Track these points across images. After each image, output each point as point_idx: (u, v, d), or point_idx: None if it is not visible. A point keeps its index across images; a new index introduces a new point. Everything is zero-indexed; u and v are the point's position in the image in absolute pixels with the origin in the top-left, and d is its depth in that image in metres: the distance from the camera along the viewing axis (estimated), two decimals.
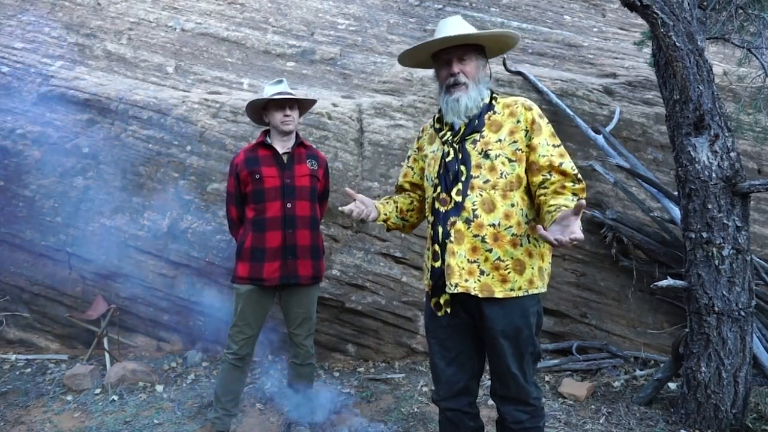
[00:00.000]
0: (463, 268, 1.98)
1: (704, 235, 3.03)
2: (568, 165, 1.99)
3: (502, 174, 1.99)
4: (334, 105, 4.48)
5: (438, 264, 2.03)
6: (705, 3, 3.53)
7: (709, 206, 3.01)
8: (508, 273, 1.97)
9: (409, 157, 2.34)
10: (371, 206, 2.15)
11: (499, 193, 1.98)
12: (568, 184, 1.96)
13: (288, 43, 5.40)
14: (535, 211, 2.04)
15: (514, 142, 2.01)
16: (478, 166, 2.00)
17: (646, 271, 4.06)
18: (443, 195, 2.03)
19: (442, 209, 2.03)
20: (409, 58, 2.21)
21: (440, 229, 2.02)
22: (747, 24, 4.17)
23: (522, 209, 2.01)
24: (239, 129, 4.30)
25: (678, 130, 3.15)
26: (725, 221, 2.99)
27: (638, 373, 3.87)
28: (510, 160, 2.00)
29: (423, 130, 2.31)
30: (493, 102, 2.10)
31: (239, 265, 2.89)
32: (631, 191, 4.17)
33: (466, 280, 1.98)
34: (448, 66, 2.07)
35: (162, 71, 5.01)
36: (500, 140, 2.01)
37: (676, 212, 3.66)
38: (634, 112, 4.57)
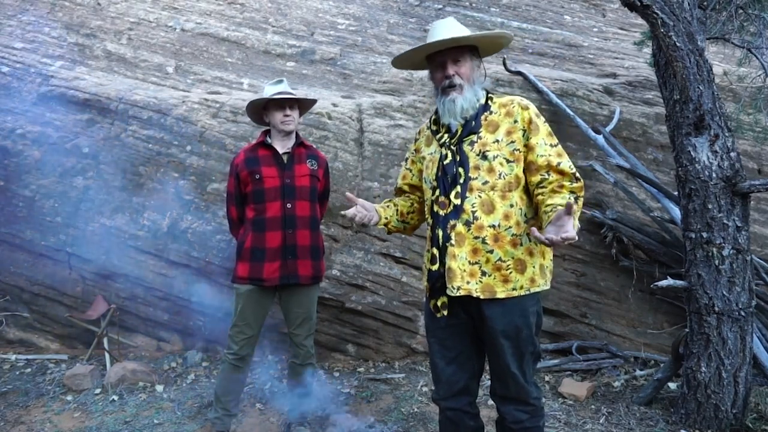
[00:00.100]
0: (464, 271, 1.98)
1: (704, 235, 3.03)
2: (566, 164, 1.99)
3: (500, 175, 1.99)
4: (334, 105, 4.48)
5: (436, 267, 2.03)
6: (705, 3, 3.53)
7: (709, 206, 3.01)
8: (510, 273, 1.97)
9: (407, 159, 2.34)
10: (372, 211, 2.15)
11: (498, 194, 1.98)
12: (566, 183, 1.96)
13: (288, 43, 5.40)
14: (534, 210, 2.04)
15: (512, 142, 2.01)
16: (477, 168, 2.00)
17: (646, 271, 4.06)
18: (442, 198, 2.03)
19: (442, 212, 2.03)
20: (403, 61, 2.21)
21: (440, 233, 2.02)
22: (747, 24, 4.17)
23: (521, 209, 2.01)
24: (239, 129, 4.30)
25: (678, 130, 3.15)
26: (725, 221, 2.99)
27: (638, 373, 3.87)
28: (508, 161, 2.00)
29: (420, 132, 2.30)
30: (489, 102, 2.09)
31: (239, 265, 2.89)
32: (631, 191, 4.17)
33: (468, 282, 1.98)
34: (442, 68, 2.07)
35: (162, 71, 5.01)
36: (498, 141, 2.01)
37: (676, 212, 3.66)
38: (634, 112, 4.57)
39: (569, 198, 1.91)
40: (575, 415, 3.32)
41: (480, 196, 1.98)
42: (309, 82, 5.02)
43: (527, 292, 1.99)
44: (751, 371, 3.12)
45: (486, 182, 1.99)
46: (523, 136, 2.01)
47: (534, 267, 2.00)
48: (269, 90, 2.94)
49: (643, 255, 4.11)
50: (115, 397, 3.54)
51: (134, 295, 4.24)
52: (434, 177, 2.08)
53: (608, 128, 4.34)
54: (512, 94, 2.16)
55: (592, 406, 3.44)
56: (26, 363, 4.10)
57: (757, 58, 4.00)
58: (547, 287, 2.08)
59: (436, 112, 2.15)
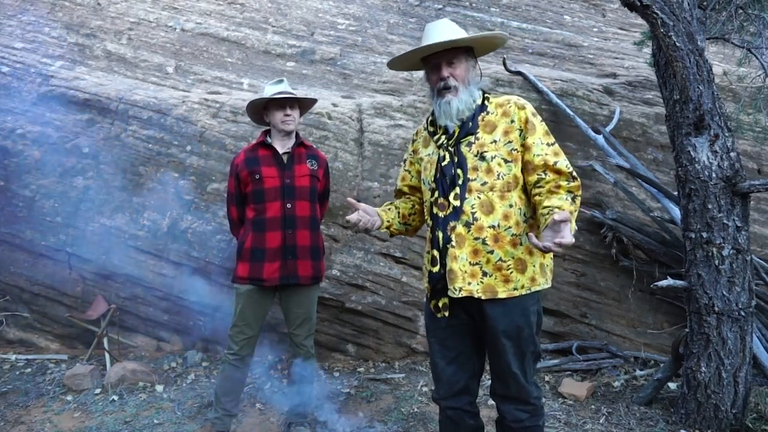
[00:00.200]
0: (465, 272, 1.98)
1: (704, 235, 3.03)
2: (563, 163, 1.99)
3: (498, 175, 1.99)
4: (334, 105, 4.48)
5: (436, 269, 2.03)
6: (705, 3, 3.53)
7: (709, 206, 3.01)
8: (511, 273, 1.98)
9: (405, 160, 2.34)
10: (374, 215, 2.15)
11: (497, 194, 1.98)
12: (563, 183, 1.96)
13: (288, 43, 5.40)
14: (533, 210, 2.04)
15: (509, 142, 2.01)
16: (475, 169, 2.00)
17: (646, 271, 4.06)
18: (441, 200, 2.03)
19: (441, 214, 2.03)
20: (398, 63, 2.21)
21: (440, 234, 2.02)
22: (747, 24, 4.17)
23: (520, 208, 2.02)
24: (239, 129, 4.30)
25: (678, 130, 3.15)
26: (725, 221, 2.99)
27: (638, 373, 3.87)
28: (506, 161, 2.00)
29: (417, 133, 2.30)
30: (486, 102, 2.09)
31: (239, 265, 2.89)
32: (631, 191, 4.17)
33: (469, 283, 1.98)
34: (437, 70, 2.07)
35: (162, 71, 5.01)
36: (495, 141, 2.01)
37: (676, 212, 3.66)
38: (634, 112, 4.57)
39: (566, 199, 1.92)
40: (575, 415, 3.32)
41: (479, 197, 1.98)
42: (309, 82, 5.02)
43: (528, 292, 2.00)
44: (751, 371, 3.12)
45: (485, 183, 1.99)
46: (520, 135, 2.01)
47: (534, 266, 2.01)
48: (269, 90, 2.94)
49: (643, 255, 4.11)
50: (115, 397, 3.54)
51: (134, 295, 4.24)
52: (433, 179, 2.08)
53: (608, 128, 4.34)
54: (512, 94, 2.16)
55: (592, 406, 3.44)
56: (26, 363, 4.10)
57: (757, 58, 4.00)
58: (548, 285, 2.08)
59: (433, 114, 2.15)
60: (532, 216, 2.04)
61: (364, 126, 4.41)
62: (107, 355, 3.97)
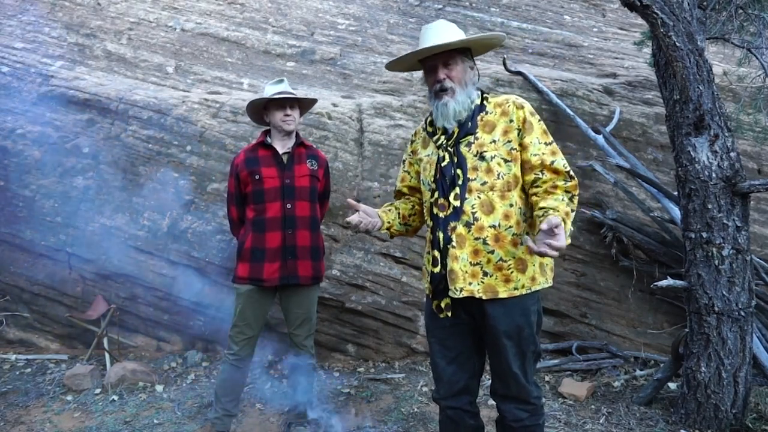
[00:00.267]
0: (466, 272, 1.98)
1: (704, 235, 3.03)
2: (560, 162, 1.99)
3: (498, 175, 1.99)
4: (334, 105, 4.48)
5: (438, 269, 2.03)
6: (705, 3, 3.53)
7: (709, 206, 3.01)
8: (511, 273, 1.98)
9: (404, 161, 2.33)
10: (375, 216, 2.15)
11: (497, 194, 1.99)
12: (560, 183, 1.97)
13: (288, 43, 5.40)
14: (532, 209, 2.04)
15: (509, 141, 2.01)
16: (475, 169, 2.00)
17: (646, 271, 4.06)
18: (441, 200, 2.03)
19: (441, 214, 2.03)
20: (396, 65, 2.23)
21: (441, 235, 2.02)
22: (747, 24, 4.17)
23: (521, 208, 2.02)
24: (239, 129, 4.30)
25: (678, 130, 3.15)
26: (725, 221, 2.99)
27: (638, 373, 3.87)
28: (506, 161, 2.00)
29: (416, 134, 2.30)
30: (485, 102, 2.09)
31: (239, 266, 2.89)
32: (631, 191, 4.17)
33: (470, 284, 1.98)
34: (434, 72, 2.07)
35: (162, 71, 5.01)
36: (494, 141, 2.01)
37: (676, 212, 3.66)
38: (634, 112, 4.57)
39: (562, 199, 1.92)
40: (575, 415, 3.32)
41: (479, 197, 1.98)
42: (309, 82, 5.02)
43: (528, 291, 2.00)
44: (751, 371, 3.12)
45: (485, 183, 1.99)
46: (518, 135, 2.02)
47: (534, 265, 2.01)
48: (269, 90, 2.94)
49: (643, 255, 4.11)
50: (115, 397, 3.54)
51: (134, 295, 4.24)
52: (432, 179, 2.08)
53: (608, 128, 4.34)
54: (512, 95, 2.16)
55: (592, 406, 3.44)
56: (26, 363, 4.10)
57: (757, 58, 4.00)
58: (549, 284, 2.08)
59: (431, 114, 2.15)
60: (532, 215, 2.04)
61: (364, 126, 4.41)
62: (107, 355, 3.97)
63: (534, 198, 1.98)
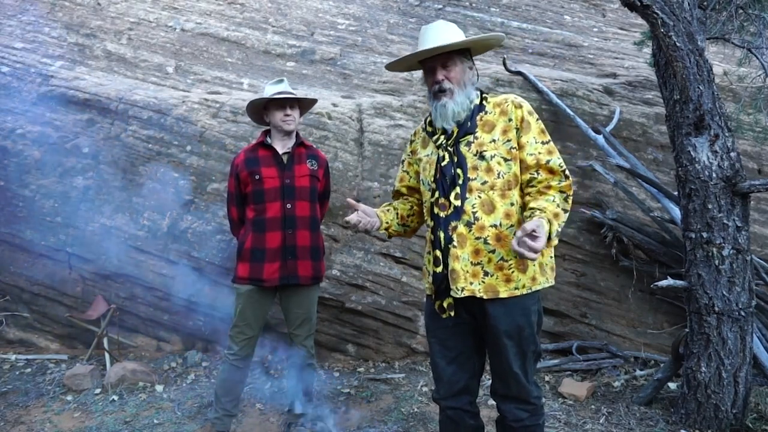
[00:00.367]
0: (467, 272, 1.98)
1: (704, 235, 3.03)
2: (556, 162, 2.00)
3: (499, 174, 1.99)
4: (334, 105, 4.48)
5: (440, 269, 2.03)
6: (705, 3, 3.53)
7: (709, 206, 3.01)
8: (512, 272, 1.98)
9: (403, 161, 2.34)
10: (374, 216, 2.15)
11: (498, 193, 1.99)
12: (554, 183, 1.98)
13: (288, 43, 5.40)
14: None
15: (508, 140, 2.02)
16: (475, 168, 2.00)
17: (646, 271, 4.06)
18: (442, 200, 2.03)
19: (442, 214, 2.03)
20: (396, 66, 2.24)
21: (442, 234, 2.02)
22: (747, 24, 4.17)
23: (522, 207, 2.02)
24: (239, 129, 4.30)
25: (678, 130, 3.15)
26: (725, 221, 2.99)
27: (638, 373, 3.87)
28: (506, 160, 2.01)
29: (415, 134, 2.30)
30: (484, 102, 2.10)
31: (239, 266, 2.89)
32: (631, 191, 4.17)
33: (471, 283, 1.98)
34: (432, 73, 2.08)
35: (162, 71, 5.01)
36: (494, 140, 2.02)
37: (676, 212, 3.66)
38: (634, 112, 4.57)
39: (553, 200, 1.93)
40: (575, 415, 3.32)
41: (480, 197, 1.99)
42: (309, 82, 5.02)
43: (529, 291, 2.00)
44: (751, 371, 3.12)
45: (485, 182, 1.99)
46: (517, 134, 2.02)
47: (534, 265, 2.01)
48: (269, 90, 2.94)
49: (643, 255, 4.11)
50: (115, 397, 3.54)
51: (134, 295, 4.23)
52: (432, 179, 2.08)
53: (608, 128, 4.34)
54: (511, 94, 2.17)
55: (592, 406, 3.44)
56: (26, 363, 4.10)
57: (757, 58, 4.00)
58: (549, 284, 2.08)
59: (431, 114, 2.16)
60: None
61: (364, 126, 4.41)
62: (107, 355, 3.97)
63: (527, 198, 2.00)
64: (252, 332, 2.92)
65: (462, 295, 1.99)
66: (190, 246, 4.13)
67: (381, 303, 4.11)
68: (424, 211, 2.18)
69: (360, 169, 4.27)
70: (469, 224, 1.98)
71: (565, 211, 1.97)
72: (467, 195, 1.99)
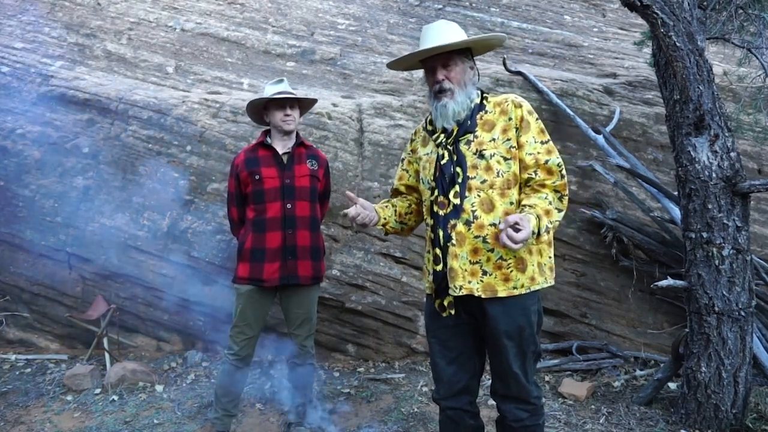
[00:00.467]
0: (465, 270, 1.99)
1: (704, 235, 3.03)
2: (555, 162, 2.00)
3: (498, 173, 1.99)
4: (334, 105, 4.48)
5: (440, 267, 2.04)
6: (705, 3, 3.53)
7: (709, 206, 3.01)
8: (511, 272, 1.98)
9: (403, 159, 2.34)
10: (372, 210, 2.15)
11: (497, 192, 1.99)
12: (549, 182, 1.99)
13: (288, 43, 5.40)
14: None
15: (508, 139, 2.02)
16: (474, 167, 2.00)
17: (646, 271, 4.06)
18: (441, 198, 2.04)
19: (441, 212, 2.03)
20: (398, 65, 2.24)
21: (441, 233, 2.03)
22: (747, 24, 4.17)
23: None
24: (239, 129, 4.30)
25: (678, 130, 3.15)
26: (725, 221, 2.99)
27: (638, 373, 3.87)
28: (505, 159, 2.01)
29: (416, 133, 2.30)
30: (484, 101, 2.10)
31: (240, 266, 2.89)
32: (631, 191, 4.17)
33: (469, 282, 1.98)
34: (433, 73, 2.08)
35: (162, 71, 5.01)
36: (494, 139, 2.02)
37: (676, 212, 3.66)
38: (634, 112, 4.57)
39: (545, 197, 1.95)
40: (575, 415, 3.32)
41: (479, 195, 1.99)
42: (309, 82, 5.02)
43: (527, 291, 2.00)
44: (751, 371, 3.12)
45: (484, 181, 1.99)
46: (516, 133, 2.02)
47: (533, 265, 2.01)
48: (269, 90, 2.94)
49: (643, 255, 4.11)
50: (115, 397, 3.54)
51: (134, 295, 4.23)
52: (432, 177, 2.09)
53: (608, 128, 4.34)
54: (511, 94, 2.17)
55: (592, 406, 3.44)
56: (26, 363, 4.10)
57: (757, 58, 4.00)
58: (549, 284, 2.09)
59: (432, 113, 2.16)
60: None
61: (364, 126, 4.41)
62: (107, 355, 3.97)
63: (522, 196, 2.01)
64: (252, 332, 2.92)
65: (460, 294, 1.99)
66: (190, 246, 4.13)
67: (381, 303, 4.11)
68: (424, 210, 2.19)
69: (360, 169, 4.27)
70: (468, 223, 1.98)
71: (559, 210, 1.98)
72: (466, 193, 1.99)
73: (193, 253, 4.13)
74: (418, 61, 2.15)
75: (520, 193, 2.04)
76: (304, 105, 3.11)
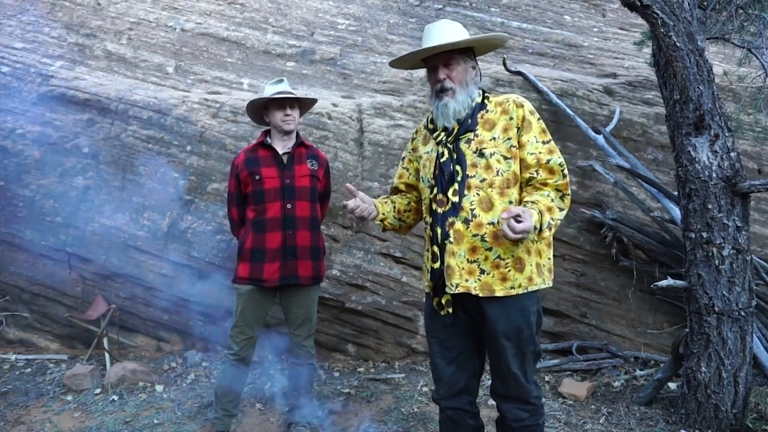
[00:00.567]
0: (463, 268, 1.99)
1: (704, 235, 3.03)
2: (557, 161, 2.01)
3: (498, 172, 2.00)
4: (334, 105, 4.48)
5: (437, 265, 2.04)
6: (705, 3, 3.53)
7: (709, 206, 3.01)
8: (509, 271, 1.98)
9: (404, 158, 2.34)
10: (371, 204, 2.15)
11: (497, 191, 1.99)
12: (551, 181, 1.99)
13: (288, 43, 5.40)
14: None
15: (508, 139, 2.02)
16: (474, 165, 2.00)
17: (646, 271, 4.06)
18: (440, 196, 2.04)
19: (440, 210, 2.03)
20: (400, 63, 2.24)
21: (439, 230, 2.03)
22: (747, 24, 4.17)
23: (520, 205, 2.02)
24: (239, 129, 4.30)
25: (678, 130, 3.15)
26: (725, 221, 2.99)
27: (638, 373, 3.87)
28: (505, 158, 2.01)
29: (417, 132, 2.31)
30: (486, 101, 2.11)
31: (240, 266, 2.89)
32: (631, 191, 4.17)
33: (467, 280, 1.98)
34: (434, 72, 2.08)
35: (162, 71, 5.01)
36: (494, 138, 2.02)
37: (676, 212, 3.66)
38: (634, 112, 4.57)
39: (547, 195, 1.96)
40: (575, 415, 3.32)
41: (478, 194, 1.99)
42: (309, 82, 5.02)
43: (525, 291, 2.00)
44: (751, 371, 3.12)
45: (484, 179, 1.99)
46: (517, 133, 2.02)
47: (531, 265, 2.01)
48: (269, 89, 2.94)
49: (643, 255, 4.11)
50: (115, 397, 3.54)
51: (134, 295, 4.23)
52: (432, 175, 2.09)
53: (608, 128, 4.34)
54: (512, 94, 2.18)
55: (592, 406, 3.44)
56: (26, 363, 4.10)
57: (757, 58, 4.00)
58: (546, 286, 2.08)
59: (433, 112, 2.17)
60: None
61: (364, 126, 4.41)
62: (107, 355, 3.97)
63: (523, 194, 2.02)
64: (252, 332, 2.92)
65: (457, 291, 1.99)
66: (190, 246, 4.13)
67: (381, 303, 4.11)
68: (423, 208, 2.19)
69: (360, 169, 4.27)
70: (466, 221, 1.98)
71: (561, 209, 1.98)
72: (465, 192, 1.99)
73: (193, 253, 4.13)
74: (420, 60, 2.15)
75: (519, 193, 2.04)
76: (304, 105, 3.11)
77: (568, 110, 4.37)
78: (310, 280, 2.93)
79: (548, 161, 1.99)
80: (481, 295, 1.97)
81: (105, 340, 4.02)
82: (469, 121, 2.05)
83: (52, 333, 4.40)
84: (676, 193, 3.47)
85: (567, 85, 4.63)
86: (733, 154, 3.02)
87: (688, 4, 3.02)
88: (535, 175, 2.00)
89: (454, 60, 2.06)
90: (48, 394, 3.61)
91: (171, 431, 3.15)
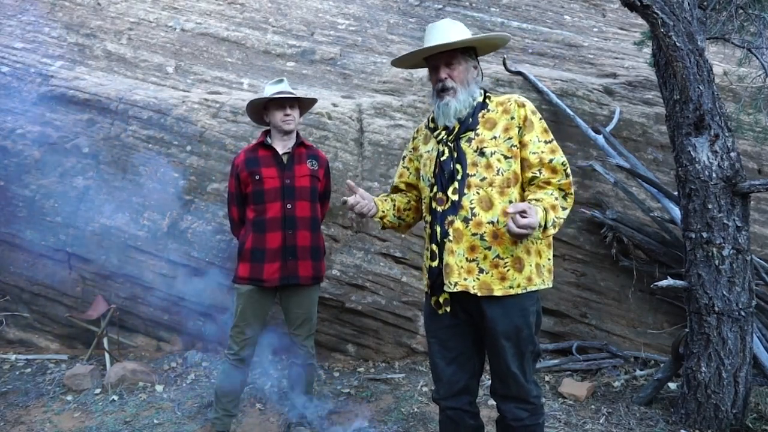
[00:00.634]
0: (461, 267, 1.98)
1: (704, 235, 3.03)
2: (559, 161, 2.01)
3: (498, 171, 2.00)
4: (334, 105, 4.48)
5: (436, 263, 2.04)
6: (705, 3, 3.53)
7: (709, 206, 3.01)
8: (507, 271, 1.98)
9: (404, 157, 2.34)
10: (371, 201, 2.15)
11: (497, 190, 1.99)
12: (554, 180, 1.99)
13: (288, 43, 5.40)
14: None
15: (509, 138, 2.02)
16: (474, 164, 2.01)
17: (646, 271, 4.06)
18: (440, 194, 2.04)
19: (440, 209, 2.04)
20: (401, 63, 2.24)
21: (438, 229, 2.03)
22: (747, 24, 4.17)
23: None
24: (239, 129, 4.30)
25: (678, 130, 3.15)
26: (725, 221, 2.99)
27: (638, 373, 3.87)
28: (506, 157, 2.01)
29: (418, 131, 2.31)
30: (487, 101, 2.11)
31: (240, 266, 2.89)
32: (631, 191, 4.17)
33: (465, 279, 1.98)
34: (436, 71, 2.08)
35: (162, 71, 5.01)
36: (495, 137, 2.02)
37: (676, 212, 3.66)
38: (634, 112, 4.57)
39: (551, 193, 1.96)
40: (575, 415, 3.32)
41: (478, 193, 1.99)
42: (309, 82, 5.02)
43: (524, 291, 1.99)
44: (751, 371, 3.12)
45: (484, 178, 1.99)
46: (519, 132, 2.03)
47: (531, 266, 2.01)
48: (269, 89, 2.94)
49: (643, 255, 4.11)
50: (115, 397, 3.54)
51: (134, 295, 4.23)
52: (432, 174, 2.09)
53: (608, 128, 4.34)
54: (513, 94, 2.18)
55: (592, 406, 3.44)
56: (26, 363, 4.10)
57: (757, 58, 4.00)
58: (546, 286, 2.08)
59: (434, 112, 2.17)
60: None
61: (364, 126, 4.41)
62: (107, 355, 3.97)
63: (526, 193, 2.02)
64: (252, 332, 2.92)
65: (455, 290, 1.99)
66: (190, 246, 4.13)
67: (381, 303, 4.11)
68: (423, 207, 2.19)
69: (360, 169, 4.27)
70: (466, 220, 1.98)
71: (564, 208, 1.98)
72: (465, 191, 1.99)
73: (193, 253, 4.13)
74: (421, 59, 2.15)
75: (519, 193, 2.04)
76: (304, 105, 3.11)
77: (568, 110, 4.37)
78: (310, 280, 2.93)
79: (551, 160, 1.99)
80: (479, 294, 1.97)
81: (105, 340, 4.02)
82: (470, 120, 2.05)
83: (52, 333, 4.40)
84: (676, 193, 3.47)
85: (567, 85, 4.63)
86: (733, 154, 3.03)
87: (688, 4, 3.02)
88: (537, 175, 2.00)
89: (455, 59, 2.06)
90: (48, 394, 3.61)
91: (171, 431, 3.15)
